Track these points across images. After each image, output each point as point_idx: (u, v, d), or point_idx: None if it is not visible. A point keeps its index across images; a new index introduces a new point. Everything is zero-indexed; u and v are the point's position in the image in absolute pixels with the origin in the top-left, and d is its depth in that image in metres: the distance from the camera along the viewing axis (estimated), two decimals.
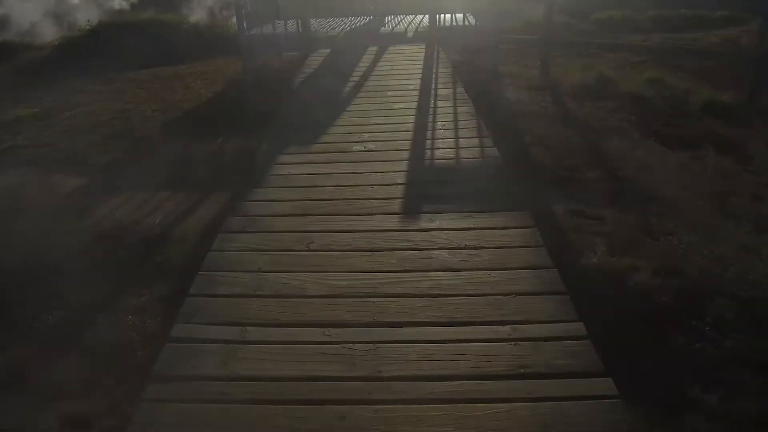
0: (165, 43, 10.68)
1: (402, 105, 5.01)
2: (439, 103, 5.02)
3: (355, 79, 5.84)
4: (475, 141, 4.24)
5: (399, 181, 3.68)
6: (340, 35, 7.62)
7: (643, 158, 5.03)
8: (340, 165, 3.93)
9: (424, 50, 6.73)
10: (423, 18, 8.75)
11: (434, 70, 5.99)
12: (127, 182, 5.18)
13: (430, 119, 4.69)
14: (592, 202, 4.31)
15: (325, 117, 4.86)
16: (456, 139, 4.28)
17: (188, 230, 4.16)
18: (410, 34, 7.48)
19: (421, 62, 6.25)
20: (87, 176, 5.41)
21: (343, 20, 9.10)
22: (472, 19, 7.82)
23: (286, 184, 3.71)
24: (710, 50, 7.90)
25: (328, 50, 6.93)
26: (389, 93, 5.33)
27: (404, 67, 6.10)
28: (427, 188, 3.59)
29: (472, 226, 3.17)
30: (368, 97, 5.28)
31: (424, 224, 3.19)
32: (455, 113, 4.79)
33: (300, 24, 7.52)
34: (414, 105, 5.00)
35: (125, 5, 22.24)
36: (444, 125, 4.55)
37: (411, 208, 3.36)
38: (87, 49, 10.56)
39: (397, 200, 3.46)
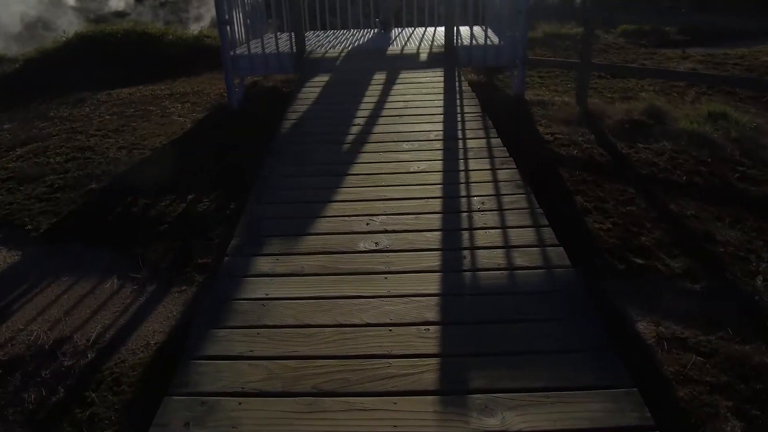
0: (147, 56, 9.35)
1: (422, 165, 3.70)
2: (472, 164, 3.71)
3: (360, 120, 4.52)
4: (530, 234, 2.93)
5: (430, 316, 2.38)
6: (341, 56, 6.30)
7: (736, 237, 3.74)
8: (340, 281, 2.62)
9: (442, 78, 5.40)
10: (435, 32, 7.42)
11: (459, 109, 4.67)
12: (66, 261, 3.90)
13: (463, 191, 3.38)
14: (689, 319, 3.01)
15: (319, 184, 3.55)
16: (503, 229, 2.97)
17: (127, 363, 2.89)
18: (423, 56, 6.16)
19: (441, 96, 4.93)
20: (17, 250, 4.11)
21: (344, 34, 7.76)
22: (493, 37, 6.49)
23: (258, 322, 2.40)
24: None
25: (326, 77, 5.60)
26: (404, 145, 4.02)
27: (421, 104, 4.77)
28: (474, 335, 2.29)
29: (556, 426, 1.88)
30: (377, 151, 3.96)
31: (476, 420, 1.90)
32: (495, 180, 3.48)
33: (293, 40, 6.18)
34: (439, 166, 3.70)
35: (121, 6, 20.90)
36: (483, 202, 3.24)
37: (453, 383, 2.07)
38: (60, 64, 9.23)
39: (429, 362, 2.16)
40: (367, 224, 3.06)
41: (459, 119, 4.42)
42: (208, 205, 4.44)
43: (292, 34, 6.23)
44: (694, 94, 6.68)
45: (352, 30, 8.19)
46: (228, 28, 6.25)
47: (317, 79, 5.50)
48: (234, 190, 4.57)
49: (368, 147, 4.01)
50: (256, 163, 4.38)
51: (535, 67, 7.10)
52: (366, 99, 4.91)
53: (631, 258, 3.55)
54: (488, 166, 3.64)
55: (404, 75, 5.51)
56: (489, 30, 6.55)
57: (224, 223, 4.07)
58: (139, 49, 9.33)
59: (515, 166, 3.65)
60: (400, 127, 4.31)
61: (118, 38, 9.36)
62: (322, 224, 3.08)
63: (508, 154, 3.79)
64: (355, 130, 4.33)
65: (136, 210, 4.48)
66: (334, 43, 7.20)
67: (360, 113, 4.61)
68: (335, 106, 4.80)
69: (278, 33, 7.37)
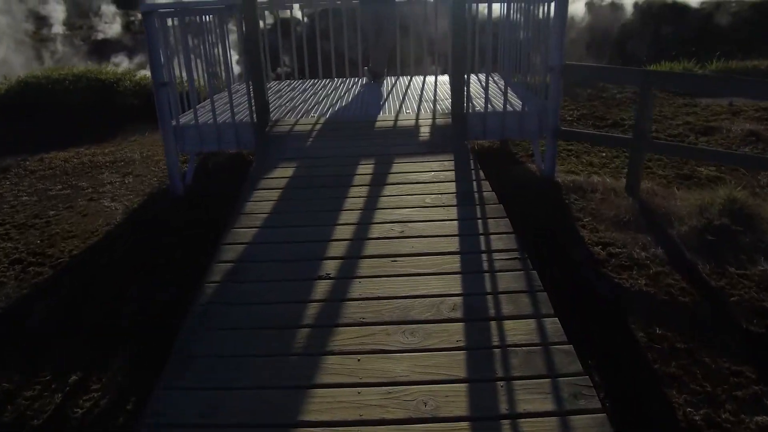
0: (100, 106, 7.59)
1: (433, 399, 1.95)
2: (520, 395, 1.96)
3: (331, 267, 2.75)
4: None
5: None
6: (315, 129, 4.56)
7: None
8: None
9: (453, 173, 3.65)
10: (437, 86, 5.70)
11: (483, 241, 2.92)
12: None
13: None
14: None
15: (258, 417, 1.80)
16: None
17: None
18: (425, 130, 4.43)
19: (454, 211, 3.17)
20: None
21: (323, 87, 6.03)
22: (515, 99, 4.77)
23: None
24: None
25: (290, 169, 3.84)
26: (401, 336, 2.26)
27: (424, 230, 3.01)
28: None
29: None
30: (354, 351, 2.20)
31: None
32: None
33: (253, 103, 4.44)
34: (462, 396, 1.95)
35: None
36: None
37: None
38: None
39: None
40: None
41: (485, 265, 2.67)
42: (92, 402, 2.69)
43: (251, 93, 4.48)
44: None
45: (335, 80, 6.46)
46: (169, 90, 4.52)
47: (277, 174, 3.75)
48: (137, 368, 2.83)
49: (340, 339, 2.25)
50: (183, 313, 2.66)
51: (568, 139, 5.34)
52: (343, 217, 3.15)
53: None
54: (552, 405, 1.89)
55: (400, 167, 3.75)
56: (511, 93, 4.81)
57: None
58: (90, 98, 7.58)
59: (599, 405, 1.90)
60: (393, 286, 2.56)
61: (66, 86, 7.60)
62: None
63: (581, 370, 2.04)
64: (320, 292, 2.56)
65: None
66: (311, 101, 5.46)
67: (332, 250, 2.85)
68: (296, 231, 3.04)
69: (236, 86, 5.64)
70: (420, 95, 5.51)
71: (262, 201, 3.34)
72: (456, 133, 4.30)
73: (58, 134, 7.04)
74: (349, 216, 3.13)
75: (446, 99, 5.20)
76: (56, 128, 7.20)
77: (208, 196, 4.73)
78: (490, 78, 4.87)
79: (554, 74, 4.42)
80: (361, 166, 3.74)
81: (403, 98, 5.40)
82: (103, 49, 17.05)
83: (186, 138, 4.63)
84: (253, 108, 4.52)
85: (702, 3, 17.63)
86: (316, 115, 4.82)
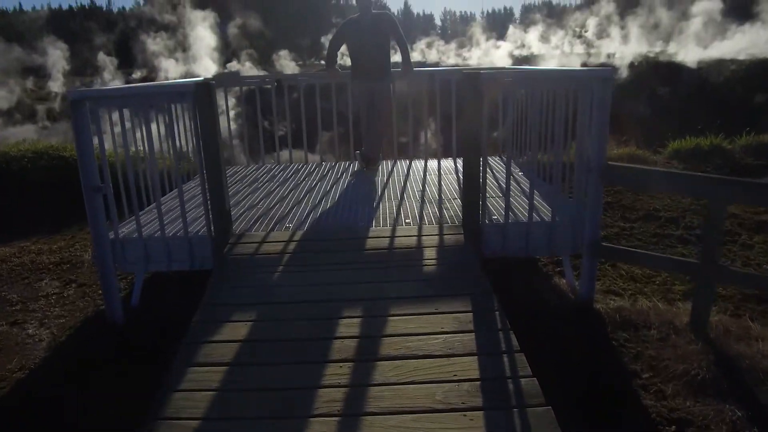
0: (61, 187, 6.52)
1: None
2: None
3: None
4: None
5: None
6: (288, 249, 3.45)
7: None
8: None
9: (473, 341, 2.49)
10: (441, 172, 4.63)
11: None
12: None
13: None
14: None
15: None
16: None
17: None
18: (430, 257, 3.30)
19: (480, 422, 2.00)
20: None
21: (308, 174, 4.97)
22: (542, 205, 3.70)
23: None
24: None
25: (245, 325, 2.67)
26: None
27: None
28: None
29: None
30: None
31: None
32: None
33: (210, 212, 3.36)
34: None
35: None
36: None
37: None
38: None
39: None
40: None
41: None
42: None
43: (208, 200, 3.41)
44: None
45: (323, 164, 5.42)
46: (105, 197, 3.46)
47: (225, 334, 2.57)
48: None
49: None
50: None
51: (612, 259, 4.17)
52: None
53: None
54: None
55: (397, 324, 2.58)
56: (539, 198, 3.73)
57: None
58: (51, 178, 6.52)
59: None
60: None
61: (24, 164, 6.55)
62: None
63: None
64: None
65: None
66: (289, 200, 4.37)
67: None
68: None
69: (189, 184, 4.58)
70: (422, 192, 4.42)
71: (195, 390, 2.18)
72: (471, 261, 3.18)
73: (6, 223, 5.96)
74: (320, 429, 1.97)
75: (454, 198, 4.13)
76: (7, 215, 6.12)
77: (152, 326, 3.58)
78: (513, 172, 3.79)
79: (593, 177, 3.35)
80: (342, 321, 2.59)
81: (402, 196, 4.31)
82: None
83: (127, 256, 3.52)
84: (210, 218, 3.43)
85: (699, 62, 16.91)
86: (291, 226, 3.71)
